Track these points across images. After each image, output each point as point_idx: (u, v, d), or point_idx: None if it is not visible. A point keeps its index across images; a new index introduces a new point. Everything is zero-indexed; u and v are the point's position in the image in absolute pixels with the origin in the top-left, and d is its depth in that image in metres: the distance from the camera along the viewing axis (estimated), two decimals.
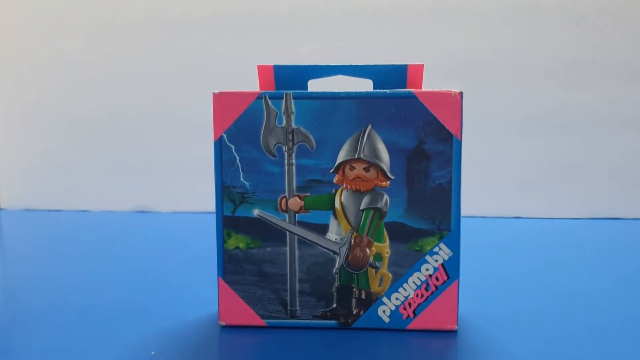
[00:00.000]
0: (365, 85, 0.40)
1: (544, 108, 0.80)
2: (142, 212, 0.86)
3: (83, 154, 0.87)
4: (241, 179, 0.38)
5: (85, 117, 0.87)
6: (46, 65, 0.87)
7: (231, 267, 0.39)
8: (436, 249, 0.37)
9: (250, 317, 0.39)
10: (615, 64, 0.79)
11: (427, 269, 0.37)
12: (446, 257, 0.37)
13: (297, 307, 0.39)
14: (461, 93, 0.36)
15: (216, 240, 0.39)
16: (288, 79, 0.40)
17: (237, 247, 0.38)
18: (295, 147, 0.37)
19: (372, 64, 0.40)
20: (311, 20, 0.82)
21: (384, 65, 0.40)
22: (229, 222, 0.38)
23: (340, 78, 0.41)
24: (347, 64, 0.40)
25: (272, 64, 0.40)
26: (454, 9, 0.80)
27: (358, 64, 0.40)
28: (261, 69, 0.40)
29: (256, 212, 0.38)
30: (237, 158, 0.38)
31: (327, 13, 0.82)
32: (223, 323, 0.39)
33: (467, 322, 0.40)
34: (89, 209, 0.87)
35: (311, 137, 0.37)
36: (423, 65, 0.39)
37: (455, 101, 0.36)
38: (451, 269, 0.37)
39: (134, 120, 0.86)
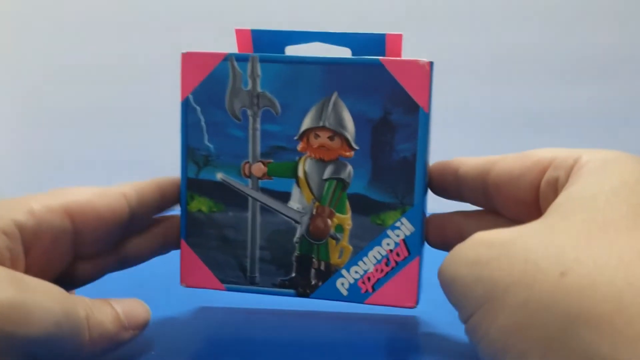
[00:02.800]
0: (344, 54, 0.39)
1: (544, 108, 0.78)
2: None
3: (83, 154, 0.88)
4: (205, 141, 0.38)
5: (84, 117, 0.87)
6: (45, 63, 0.88)
7: (194, 230, 0.38)
8: (398, 224, 0.36)
9: (210, 281, 0.39)
10: (616, 63, 0.77)
11: (388, 244, 0.36)
12: (408, 233, 0.36)
13: (257, 274, 0.38)
14: (431, 63, 0.35)
15: (180, 202, 0.39)
16: (266, 44, 0.39)
17: (200, 210, 0.38)
18: (260, 112, 0.37)
19: (350, 31, 0.39)
20: (312, 21, 0.80)
21: (362, 33, 0.38)
22: (192, 185, 0.38)
23: (318, 46, 0.40)
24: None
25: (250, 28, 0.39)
26: (455, 8, 0.79)
27: (336, 31, 0.39)
28: (239, 33, 0.40)
29: (219, 176, 0.38)
30: (202, 120, 0.37)
31: (329, 16, 0.80)
32: (184, 284, 0.39)
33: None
34: None
35: (276, 102, 0.36)
36: (402, 35, 0.38)
37: (423, 71, 0.35)
38: (412, 245, 0.36)
39: (133, 119, 0.86)
